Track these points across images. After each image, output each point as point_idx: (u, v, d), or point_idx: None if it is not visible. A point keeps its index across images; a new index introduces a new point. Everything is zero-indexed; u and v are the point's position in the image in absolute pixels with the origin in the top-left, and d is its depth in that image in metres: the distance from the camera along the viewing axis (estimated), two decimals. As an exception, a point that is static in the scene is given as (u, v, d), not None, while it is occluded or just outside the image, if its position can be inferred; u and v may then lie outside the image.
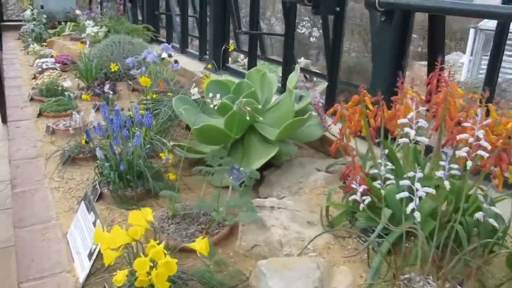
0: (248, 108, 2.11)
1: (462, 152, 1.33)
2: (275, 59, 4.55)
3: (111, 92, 3.56)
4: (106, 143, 2.21)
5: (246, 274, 1.58)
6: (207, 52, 5.05)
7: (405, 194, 1.31)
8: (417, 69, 17.20)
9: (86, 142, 2.46)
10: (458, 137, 1.36)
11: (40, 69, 4.48)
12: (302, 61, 9.09)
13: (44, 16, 7.21)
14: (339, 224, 1.72)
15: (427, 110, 1.59)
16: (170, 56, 3.74)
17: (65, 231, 1.86)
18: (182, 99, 2.63)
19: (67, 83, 2.87)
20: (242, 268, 1.62)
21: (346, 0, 2.90)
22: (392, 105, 1.78)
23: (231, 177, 1.96)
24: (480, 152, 1.30)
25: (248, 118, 2.11)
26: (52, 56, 5.14)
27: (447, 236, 1.34)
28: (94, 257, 1.52)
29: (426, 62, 3.07)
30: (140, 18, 6.90)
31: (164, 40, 6.11)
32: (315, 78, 10.52)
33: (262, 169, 2.23)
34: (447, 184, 1.30)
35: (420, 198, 1.29)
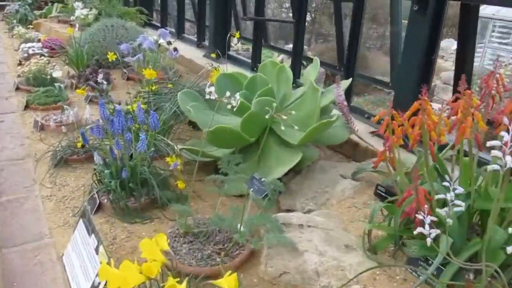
0: (269, 109, 1.85)
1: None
2: (283, 48, 4.25)
3: (105, 82, 3.25)
4: (104, 146, 1.94)
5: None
6: (206, 39, 4.75)
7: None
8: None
9: (82, 146, 2.17)
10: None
11: (26, 55, 4.13)
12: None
13: (30, -4, 6.79)
14: (383, 249, 1.49)
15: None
16: (169, 43, 3.45)
17: (61, 252, 1.60)
18: (188, 94, 2.36)
19: (57, 73, 2.57)
20: (271, 301, 1.39)
21: (368, -15, 2.63)
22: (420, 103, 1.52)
23: (252, 189, 1.71)
24: None
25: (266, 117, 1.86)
26: (39, 40, 4.78)
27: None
28: (98, 293, 1.27)
29: None
30: (131, 0, 6.52)
31: (159, 24, 5.76)
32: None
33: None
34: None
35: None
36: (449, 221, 1.18)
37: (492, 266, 1.07)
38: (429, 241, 1.12)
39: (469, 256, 1.30)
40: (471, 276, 1.26)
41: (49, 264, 1.54)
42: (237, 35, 3.05)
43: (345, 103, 2.13)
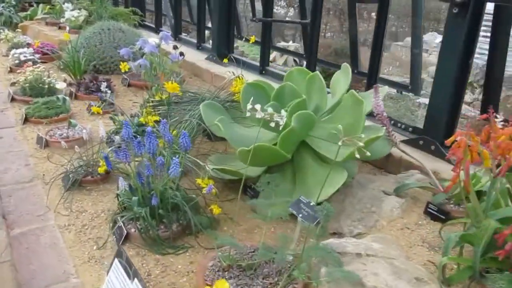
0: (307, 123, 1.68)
1: None
2: (292, 50, 4.06)
3: (108, 91, 3.04)
4: (125, 167, 1.74)
5: None
6: (205, 41, 4.55)
7: None
8: (393, 50, 17.02)
9: (106, 172, 1.97)
10: None
11: (17, 61, 3.87)
12: (291, 45, 8.64)
13: (13, -4, 6.45)
14: (459, 281, 1.34)
15: None
16: (176, 47, 3.25)
17: (92, 296, 1.41)
18: (210, 106, 2.18)
19: (60, 85, 2.36)
20: None
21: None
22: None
23: (300, 215, 1.54)
24: None
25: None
26: (28, 45, 4.51)
27: None
28: None
29: (402, 43, 2.79)
30: (121, 0, 6.26)
31: (152, 25, 5.53)
32: (305, 63, 10.10)
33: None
34: None
35: None
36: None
37: None
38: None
39: None
40: None
41: (81, 311, 1.35)
42: (253, 38, 2.87)
43: (385, 113, 1.98)
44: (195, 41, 4.71)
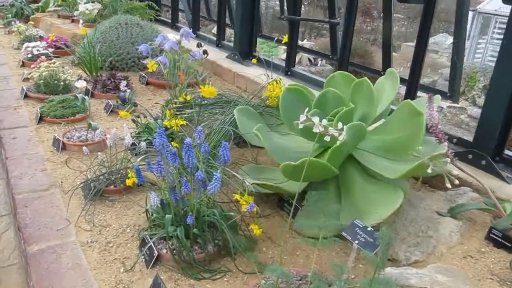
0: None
1: None
2: (320, 51, 3.84)
3: (128, 90, 2.87)
4: (158, 179, 1.57)
5: None
6: (225, 38, 4.37)
7: None
8: (403, 50, 16.82)
9: (137, 185, 1.79)
10: None
11: (30, 55, 3.71)
12: (305, 43, 8.43)
13: (24, -12, 6.28)
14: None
15: None
16: (200, 45, 3.07)
17: (123, 330, 1.24)
18: (244, 112, 2.00)
19: (80, 83, 2.18)
20: None
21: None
22: None
23: (356, 241, 1.36)
24: None
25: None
26: (41, 38, 4.35)
27: None
28: None
29: (412, 43, 2.65)
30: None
31: (168, 20, 5.35)
32: (320, 61, 9.89)
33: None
34: None
35: None
36: None
37: None
38: None
39: None
40: None
41: None
42: (285, 38, 2.68)
43: (440, 127, 1.79)
44: (213, 37, 4.53)
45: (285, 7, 3.77)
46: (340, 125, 1.34)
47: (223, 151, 1.46)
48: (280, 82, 2.06)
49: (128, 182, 1.57)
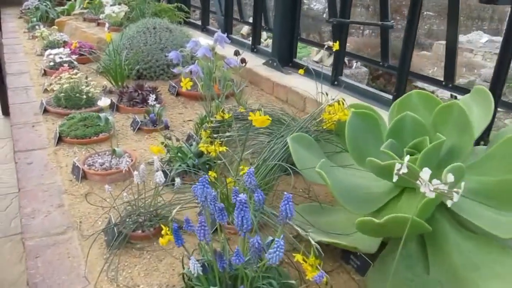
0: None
1: None
2: (368, 57, 3.38)
3: (158, 105, 2.54)
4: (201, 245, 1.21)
5: None
6: (261, 42, 4.01)
7: None
8: (435, 49, 16.11)
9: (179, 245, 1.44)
10: None
11: (52, 63, 3.44)
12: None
13: (50, -10, 6.06)
14: None
15: None
16: (237, 53, 2.72)
17: None
18: (300, 141, 1.63)
19: (104, 101, 1.87)
20: None
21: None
22: None
23: None
24: None
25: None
26: (64, 44, 4.09)
27: None
28: None
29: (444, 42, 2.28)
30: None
31: (198, 22, 5.03)
32: (355, 63, 9.44)
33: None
34: None
35: None
36: None
37: None
38: None
39: None
40: None
41: None
42: (336, 46, 2.30)
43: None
44: (247, 41, 4.18)
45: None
46: (450, 177, 0.96)
47: (286, 205, 1.10)
48: (343, 103, 1.68)
49: (162, 241, 1.23)
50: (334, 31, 3.41)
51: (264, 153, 1.72)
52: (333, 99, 1.76)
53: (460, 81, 14.40)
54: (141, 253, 1.52)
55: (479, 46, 16.78)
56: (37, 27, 4.70)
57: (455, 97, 8.62)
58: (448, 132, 1.50)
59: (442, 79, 2.65)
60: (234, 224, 1.08)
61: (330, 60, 8.07)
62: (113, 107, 2.74)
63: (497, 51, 2.14)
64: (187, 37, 3.62)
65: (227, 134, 2.08)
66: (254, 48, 3.91)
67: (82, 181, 1.94)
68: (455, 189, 0.93)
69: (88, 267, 1.44)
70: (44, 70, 3.44)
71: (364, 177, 1.59)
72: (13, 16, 5.94)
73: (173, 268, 1.46)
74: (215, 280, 1.17)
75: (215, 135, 2.29)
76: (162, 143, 2.08)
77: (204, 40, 3.52)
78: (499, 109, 2.26)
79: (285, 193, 1.11)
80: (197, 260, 1.14)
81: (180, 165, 1.96)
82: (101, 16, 4.69)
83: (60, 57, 3.42)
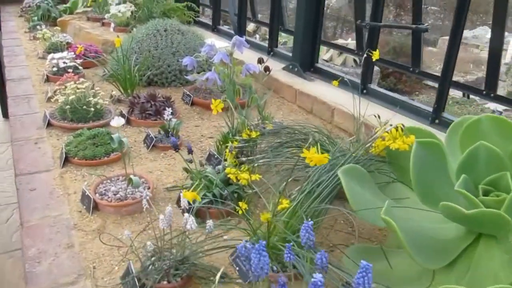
0: None
1: None
2: (399, 63, 3.04)
3: (174, 119, 2.29)
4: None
5: None
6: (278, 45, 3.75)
7: None
8: (441, 45, 15.80)
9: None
10: None
11: (55, 68, 3.18)
12: (350, 43, 7.74)
13: (51, -13, 5.77)
14: None
15: None
16: (261, 61, 2.47)
17: None
18: (352, 174, 1.38)
19: (116, 121, 1.62)
20: None
21: None
22: None
23: None
24: None
25: None
26: (68, 46, 3.84)
27: None
28: None
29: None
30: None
31: (208, 22, 4.77)
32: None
33: None
34: None
35: None
36: None
37: None
38: None
39: None
40: None
41: None
42: (376, 55, 2.05)
43: None
44: (263, 44, 3.92)
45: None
46: None
47: (364, 281, 0.85)
48: (401, 130, 1.43)
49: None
50: (358, 34, 3.16)
51: (307, 184, 1.47)
52: (390, 124, 1.51)
53: (468, 77, 14.14)
54: (167, 311, 1.28)
55: (485, 42, 16.50)
56: (38, 27, 4.44)
57: (468, 96, 8.42)
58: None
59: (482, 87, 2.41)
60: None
61: (340, 59, 7.82)
62: (123, 118, 2.49)
63: (505, 46, 1.90)
64: (200, 39, 3.36)
65: (259, 157, 1.83)
66: (271, 51, 3.66)
67: (94, 213, 1.69)
68: None
69: (105, 331, 1.20)
70: (47, 76, 3.19)
71: (429, 217, 1.35)
72: (13, 15, 5.67)
73: (206, 330, 1.22)
74: None
75: (242, 158, 2.05)
76: (186, 170, 1.83)
77: (219, 43, 3.27)
78: None
79: (362, 262, 0.87)
80: None
81: (205, 195, 1.72)
82: (106, 15, 4.43)
83: (64, 62, 3.17)
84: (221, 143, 2.18)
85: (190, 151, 1.70)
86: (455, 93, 9.98)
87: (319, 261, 0.93)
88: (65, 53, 3.28)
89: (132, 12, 4.34)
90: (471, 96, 9.43)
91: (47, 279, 1.37)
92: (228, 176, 1.67)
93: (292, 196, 1.53)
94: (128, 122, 2.51)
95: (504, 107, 8.35)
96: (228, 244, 1.45)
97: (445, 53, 2.30)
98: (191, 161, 1.85)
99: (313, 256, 1.03)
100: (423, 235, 1.27)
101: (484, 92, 2.41)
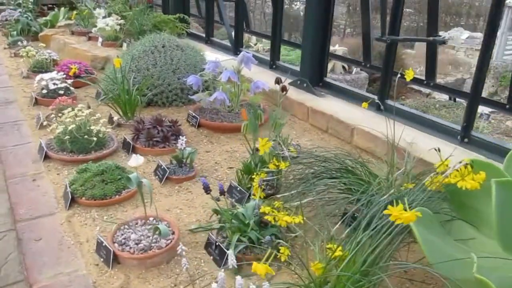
0: None
1: None
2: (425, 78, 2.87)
3: (188, 149, 2.09)
4: None
5: None
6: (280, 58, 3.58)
7: None
8: (418, 47, 15.99)
9: None
10: None
11: (45, 91, 2.93)
12: (338, 49, 7.65)
13: (30, -1, 5.43)
14: None
15: None
16: (279, 81, 2.29)
17: None
18: (427, 224, 1.21)
19: (135, 161, 1.41)
20: None
21: None
22: None
23: None
24: None
25: None
26: (54, 63, 3.58)
27: None
28: None
29: None
30: (159, 2, 5.25)
31: (201, 34, 4.57)
32: (355, 68, 9.08)
33: None
34: None
35: None
36: None
37: None
38: None
39: None
40: None
41: None
42: (410, 74, 1.89)
43: None
44: (263, 56, 3.75)
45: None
46: None
47: None
48: (471, 167, 1.27)
49: None
50: (365, 47, 3.02)
51: (359, 231, 1.29)
52: (459, 162, 1.35)
53: (447, 79, 14.28)
54: None
55: (461, 43, 16.76)
56: (19, 43, 4.15)
57: (454, 100, 8.37)
58: None
59: (485, 95, 2.29)
60: None
61: (329, 66, 7.70)
62: (128, 147, 2.28)
63: (478, 47, 1.81)
64: (200, 55, 3.16)
65: (292, 193, 1.64)
66: (273, 64, 3.49)
67: (114, 266, 1.48)
68: None
69: None
70: (36, 99, 2.93)
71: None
72: (-11, 29, 5.33)
73: None
74: None
75: (268, 190, 1.87)
76: (216, 212, 1.63)
77: (215, 56, 3.09)
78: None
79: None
80: None
81: (239, 239, 1.52)
82: (93, 29, 4.18)
83: (55, 83, 2.92)
84: (243, 173, 1.99)
85: (222, 192, 1.51)
86: (441, 96, 10.02)
87: None
88: (54, 73, 3.03)
89: (120, 26, 4.10)
90: (457, 100, 9.48)
91: None
92: (265, 217, 1.49)
93: (341, 238, 1.35)
94: (133, 149, 2.29)
95: (491, 110, 8.40)
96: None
97: (475, 68, 2.17)
98: (218, 199, 1.65)
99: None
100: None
101: (507, 106, 2.29)
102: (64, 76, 3.05)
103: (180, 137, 2.04)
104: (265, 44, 10.58)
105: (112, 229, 1.60)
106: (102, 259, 1.51)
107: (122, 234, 1.57)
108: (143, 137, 2.31)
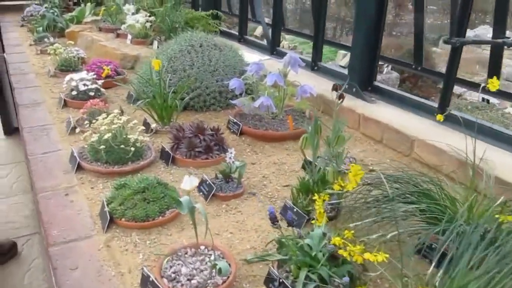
0: None
1: None
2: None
3: (236, 162, 1.87)
4: None
5: None
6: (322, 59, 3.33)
7: None
8: (442, 45, 15.52)
9: None
10: None
11: (75, 92, 2.75)
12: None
13: (56, -7, 5.27)
14: None
15: None
16: (337, 88, 2.06)
17: None
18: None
19: (190, 184, 1.20)
20: None
21: None
22: None
23: None
24: None
25: None
26: (82, 62, 3.41)
27: None
28: None
29: None
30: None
31: (233, 31, 4.35)
32: (386, 68, 8.81)
33: None
34: None
35: None
36: None
37: None
38: None
39: None
40: None
41: None
42: (496, 84, 1.63)
43: None
44: (303, 56, 3.51)
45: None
46: None
47: None
48: None
49: None
50: (417, 48, 2.76)
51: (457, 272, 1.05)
52: None
53: (475, 79, 13.82)
54: None
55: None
56: (46, 39, 3.99)
57: (488, 101, 8.00)
58: None
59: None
60: None
61: (344, 61, 7.45)
62: (168, 157, 2.07)
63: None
64: (239, 56, 2.94)
65: (367, 222, 1.41)
66: (315, 65, 3.24)
67: (163, 308, 1.27)
68: None
69: None
70: (65, 101, 2.75)
71: None
72: (14, 25, 5.20)
73: None
74: None
75: (331, 214, 1.64)
76: (280, 244, 1.40)
77: (253, 56, 2.88)
78: None
79: None
80: None
81: (308, 277, 1.30)
82: (122, 26, 3.99)
83: (85, 84, 2.73)
84: (299, 192, 1.76)
85: (291, 223, 1.28)
86: (473, 98, 9.65)
87: None
88: (84, 73, 2.84)
89: (150, 23, 3.90)
90: (491, 101, 9.12)
91: None
92: (337, 252, 1.27)
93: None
94: (173, 161, 2.09)
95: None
96: None
97: None
98: (275, 223, 1.42)
99: None
100: None
101: None
102: (95, 76, 2.86)
103: (228, 149, 1.82)
104: (290, 41, 10.34)
105: (159, 259, 1.39)
106: (149, 298, 1.30)
107: (171, 267, 1.35)
108: (184, 146, 2.10)
